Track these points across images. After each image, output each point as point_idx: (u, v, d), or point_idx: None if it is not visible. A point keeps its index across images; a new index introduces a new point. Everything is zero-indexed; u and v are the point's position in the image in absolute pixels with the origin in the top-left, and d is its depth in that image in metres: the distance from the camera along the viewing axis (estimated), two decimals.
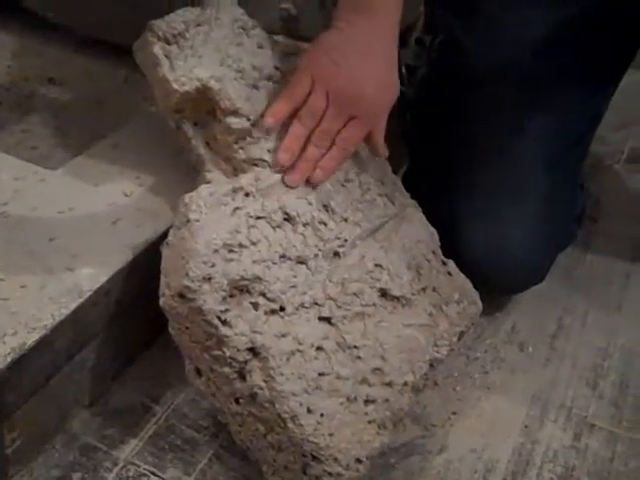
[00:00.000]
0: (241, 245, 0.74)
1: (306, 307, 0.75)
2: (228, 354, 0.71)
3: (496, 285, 0.95)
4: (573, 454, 0.84)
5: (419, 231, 0.88)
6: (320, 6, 1.12)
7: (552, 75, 0.95)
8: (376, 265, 0.81)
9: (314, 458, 0.72)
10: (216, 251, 0.72)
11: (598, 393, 0.90)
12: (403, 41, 1.23)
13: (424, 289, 0.84)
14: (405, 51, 1.19)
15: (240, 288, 0.73)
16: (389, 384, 0.77)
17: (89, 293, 0.75)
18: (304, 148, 0.79)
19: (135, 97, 1.05)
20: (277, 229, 0.76)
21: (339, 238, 0.80)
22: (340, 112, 0.79)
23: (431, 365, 0.81)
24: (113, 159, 0.91)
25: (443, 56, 1.04)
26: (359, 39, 0.79)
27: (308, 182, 0.80)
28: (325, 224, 0.80)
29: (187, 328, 0.73)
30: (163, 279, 0.74)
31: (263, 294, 0.73)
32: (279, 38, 1.06)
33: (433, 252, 0.87)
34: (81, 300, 0.75)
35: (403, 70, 1.14)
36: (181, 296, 0.71)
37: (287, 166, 0.79)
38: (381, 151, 0.85)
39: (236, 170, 0.81)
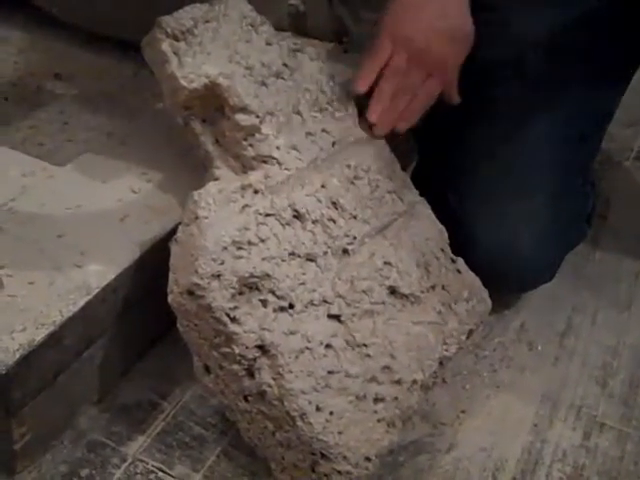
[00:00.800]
0: (250, 242, 0.73)
1: (315, 305, 0.75)
2: (237, 351, 0.71)
3: (505, 283, 0.94)
4: (583, 453, 0.83)
5: (428, 228, 0.87)
6: (328, 2, 1.12)
7: (558, 73, 0.95)
8: (385, 263, 0.81)
9: (323, 456, 0.72)
10: (225, 248, 0.72)
11: (608, 392, 0.90)
12: None
13: (433, 287, 0.84)
14: None
15: (249, 285, 0.72)
16: (398, 382, 0.77)
17: (97, 290, 0.75)
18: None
19: (142, 93, 1.05)
20: (286, 226, 0.76)
21: (348, 235, 0.80)
22: (419, 70, 0.87)
23: (440, 363, 0.81)
24: (121, 155, 0.91)
25: None
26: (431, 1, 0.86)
27: (393, 132, 0.88)
28: (334, 221, 0.79)
29: (196, 325, 0.73)
30: (172, 276, 0.73)
31: (272, 291, 0.73)
32: (287, 34, 1.06)
33: (442, 250, 0.87)
34: (89, 297, 0.74)
35: None
36: (190, 293, 0.71)
37: (376, 122, 0.87)
38: (455, 99, 0.92)
39: (245, 167, 0.80)
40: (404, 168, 0.91)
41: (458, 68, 0.90)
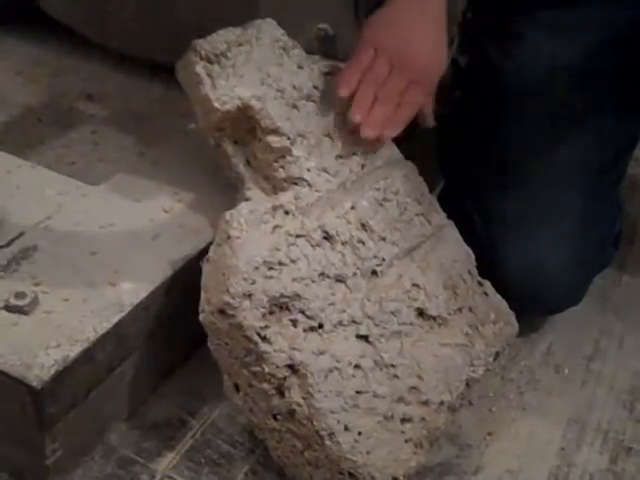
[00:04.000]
0: (281, 263, 0.74)
1: (344, 325, 0.76)
2: (267, 370, 0.72)
3: (532, 306, 0.94)
4: (610, 477, 0.83)
5: (455, 251, 0.88)
6: (357, 26, 1.13)
7: (587, 99, 0.95)
8: (413, 285, 0.82)
9: (351, 476, 0.72)
10: (256, 268, 0.73)
11: (635, 416, 0.90)
12: None
13: (460, 309, 0.84)
14: None
15: (280, 305, 0.73)
16: (425, 403, 0.77)
17: (130, 308, 0.76)
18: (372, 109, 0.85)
19: (172, 114, 1.06)
20: (316, 247, 0.77)
21: (377, 257, 0.80)
22: (401, 76, 0.86)
23: (467, 385, 0.81)
24: (152, 175, 0.92)
25: (478, 78, 1.04)
26: (412, 12, 0.87)
27: (379, 141, 0.86)
28: (364, 243, 0.80)
29: (226, 344, 0.74)
30: (203, 295, 0.75)
31: (302, 311, 0.74)
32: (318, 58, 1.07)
33: (469, 272, 0.88)
34: (122, 314, 0.76)
35: (439, 91, 1.15)
36: (221, 312, 0.72)
37: (359, 123, 0.84)
38: (430, 121, 0.92)
39: (275, 188, 0.81)
40: (431, 191, 0.92)
41: (435, 85, 0.90)
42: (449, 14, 0.89)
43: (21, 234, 0.82)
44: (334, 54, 1.13)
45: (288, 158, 0.81)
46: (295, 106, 0.84)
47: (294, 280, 0.74)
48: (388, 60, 0.85)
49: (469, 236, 0.89)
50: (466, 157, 1.02)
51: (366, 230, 0.81)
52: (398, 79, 0.85)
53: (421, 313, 0.81)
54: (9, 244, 0.81)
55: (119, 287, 0.77)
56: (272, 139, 0.81)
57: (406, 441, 0.75)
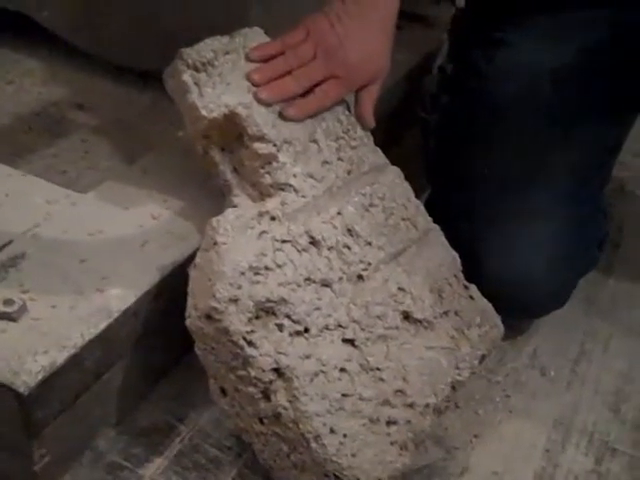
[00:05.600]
0: (267, 268, 0.75)
1: (330, 329, 0.77)
2: (253, 374, 0.72)
3: (517, 309, 0.95)
4: (595, 478, 0.84)
5: (441, 255, 0.89)
6: None
7: (572, 103, 0.96)
8: (399, 288, 0.82)
9: (337, 478, 0.73)
10: (242, 273, 0.74)
11: (620, 418, 0.91)
12: (426, 68, 1.25)
13: (446, 312, 0.85)
14: (428, 78, 1.21)
15: (266, 310, 0.74)
16: (411, 406, 0.78)
17: (118, 314, 0.77)
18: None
19: (162, 122, 1.07)
20: (302, 252, 0.78)
21: (363, 262, 0.81)
22: (324, 66, 0.83)
23: (453, 388, 0.82)
24: (141, 183, 0.93)
25: (465, 84, 1.05)
26: (358, 10, 0.84)
27: (281, 115, 0.82)
28: (349, 248, 0.81)
29: (213, 348, 0.74)
30: (190, 300, 0.75)
31: (288, 316, 0.75)
32: None
33: (455, 276, 0.88)
34: (110, 320, 0.76)
35: (427, 97, 1.16)
36: (208, 317, 0.73)
37: (258, 84, 0.81)
38: (368, 121, 0.88)
39: (262, 194, 0.82)
40: (417, 195, 0.92)
41: (373, 86, 0.87)
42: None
43: (10, 242, 0.82)
44: None
45: (274, 164, 0.82)
46: (281, 113, 0.84)
47: (280, 285, 0.75)
48: (316, 46, 0.83)
49: (455, 240, 0.90)
50: (452, 162, 1.03)
51: (352, 235, 0.82)
52: (318, 68, 0.83)
53: (407, 317, 0.82)
54: None
55: (107, 293, 0.78)
56: (258, 146, 0.82)
57: (392, 443, 0.76)
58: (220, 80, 0.83)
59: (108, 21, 1.13)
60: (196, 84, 0.82)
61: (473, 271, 0.90)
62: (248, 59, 0.83)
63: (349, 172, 0.87)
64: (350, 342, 0.78)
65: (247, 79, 0.82)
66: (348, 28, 0.84)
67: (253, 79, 0.82)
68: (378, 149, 0.91)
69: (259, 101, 0.81)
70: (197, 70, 0.83)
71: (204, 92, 0.82)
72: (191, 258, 0.79)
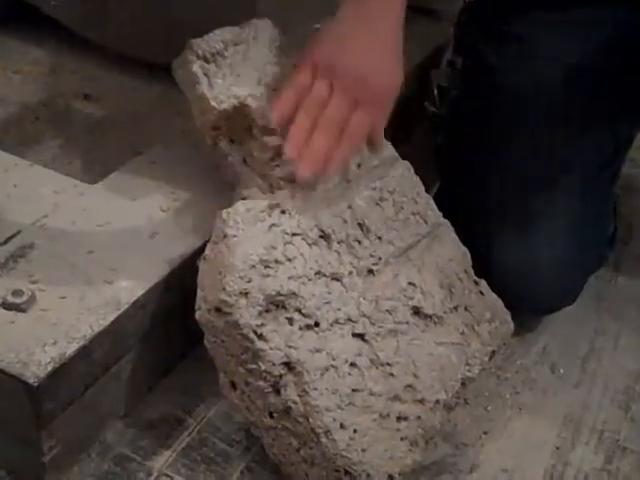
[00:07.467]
0: (277, 261, 0.75)
1: (340, 323, 0.76)
2: (263, 368, 0.72)
3: (527, 305, 0.95)
4: (604, 477, 0.83)
5: (451, 250, 0.88)
6: None
7: (583, 99, 0.96)
8: (409, 283, 0.82)
9: (347, 473, 0.72)
10: (253, 266, 0.73)
11: (630, 416, 0.90)
12: (435, 62, 1.25)
13: (456, 308, 0.85)
14: (437, 72, 1.20)
15: (276, 303, 0.73)
16: (421, 401, 0.78)
17: (127, 305, 0.77)
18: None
19: (169, 113, 1.06)
20: (313, 246, 0.77)
21: (373, 256, 0.81)
22: (345, 96, 0.76)
23: (463, 384, 0.82)
24: (149, 174, 0.92)
25: (474, 78, 1.05)
26: (363, 26, 0.78)
27: (320, 176, 0.77)
28: (360, 242, 0.80)
29: (223, 342, 0.74)
30: (200, 293, 0.75)
31: (298, 310, 0.74)
32: None
33: (465, 271, 0.88)
34: (119, 312, 0.76)
35: (435, 91, 1.15)
36: (218, 310, 0.72)
37: (295, 159, 0.75)
38: (379, 147, 0.84)
39: (272, 187, 0.82)
40: (428, 190, 0.92)
41: (388, 107, 0.80)
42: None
43: (18, 232, 0.82)
44: None
45: (284, 157, 0.81)
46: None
47: (290, 278, 0.75)
48: (329, 79, 0.76)
49: (465, 235, 0.90)
50: (462, 157, 1.02)
51: (362, 229, 0.81)
52: (341, 101, 0.76)
53: (417, 312, 0.81)
54: (6, 242, 0.81)
55: (116, 285, 0.78)
56: (268, 138, 0.81)
57: (402, 439, 0.76)
58: (230, 71, 0.82)
59: (117, 12, 1.12)
60: (206, 75, 0.82)
61: (483, 267, 0.89)
62: (274, 126, 0.77)
63: (359, 166, 0.86)
64: (360, 336, 0.77)
65: (284, 158, 0.76)
66: (357, 48, 0.78)
67: (288, 155, 0.75)
68: (388, 143, 0.90)
69: (302, 181, 0.76)
70: (207, 61, 0.82)
71: (214, 83, 0.81)
72: (200, 251, 0.78)
